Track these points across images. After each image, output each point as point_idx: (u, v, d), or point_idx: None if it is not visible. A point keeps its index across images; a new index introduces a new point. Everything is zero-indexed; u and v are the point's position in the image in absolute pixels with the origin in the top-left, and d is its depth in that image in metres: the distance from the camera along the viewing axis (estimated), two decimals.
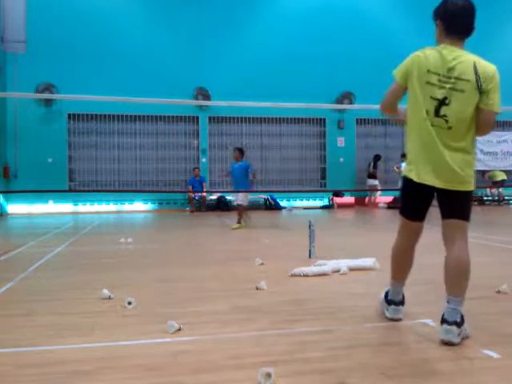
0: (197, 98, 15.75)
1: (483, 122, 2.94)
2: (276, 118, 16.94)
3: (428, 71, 2.92)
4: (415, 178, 3.04)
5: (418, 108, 2.97)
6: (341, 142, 17.46)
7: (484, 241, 7.39)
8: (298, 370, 2.52)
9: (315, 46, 16.66)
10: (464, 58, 2.90)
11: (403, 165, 15.45)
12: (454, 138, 2.91)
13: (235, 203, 10.45)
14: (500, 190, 17.35)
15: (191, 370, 2.54)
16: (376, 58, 16.73)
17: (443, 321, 2.89)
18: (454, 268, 2.95)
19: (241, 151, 10.33)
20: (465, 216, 3.00)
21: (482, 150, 18.06)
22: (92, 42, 15.38)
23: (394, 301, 3.33)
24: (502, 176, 17.08)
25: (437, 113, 2.91)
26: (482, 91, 2.87)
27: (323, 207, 16.99)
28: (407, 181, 3.11)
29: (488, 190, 17.81)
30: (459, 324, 2.86)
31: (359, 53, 16.87)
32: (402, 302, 3.36)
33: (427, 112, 2.93)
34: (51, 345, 2.94)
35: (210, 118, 16.59)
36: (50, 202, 15.24)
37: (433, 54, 2.95)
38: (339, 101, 16.81)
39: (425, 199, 3.10)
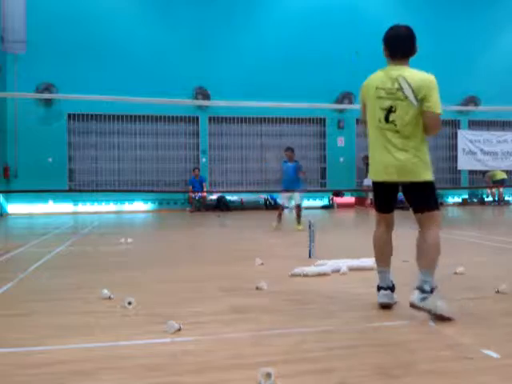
0: (197, 98, 15.76)
1: (427, 123, 3.42)
2: (276, 118, 16.94)
3: (376, 88, 3.50)
4: (373, 178, 3.65)
5: (372, 118, 3.56)
6: (341, 141, 17.46)
7: (484, 241, 7.38)
8: (298, 370, 2.52)
9: (315, 46, 16.65)
10: (403, 73, 3.42)
11: None
12: (403, 138, 3.42)
13: (291, 204, 9.84)
14: (500, 190, 17.33)
15: (191, 370, 2.54)
16: (376, 58, 16.71)
17: (417, 288, 3.34)
18: (423, 249, 3.42)
19: (293, 151, 10.06)
20: (428, 206, 3.47)
21: (482, 150, 18.06)
22: (92, 42, 15.37)
23: (382, 286, 3.66)
24: (501, 175, 17.06)
25: (386, 119, 3.45)
26: (420, 99, 3.34)
27: (323, 207, 16.99)
28: (372, 182, 3.70)
29: (488, 190, 17.80)
30: (424, 291, 3.29)
31: (359, 53, 16.85)
32: (390, 288, 3.66)
33: (379, 120, 3.49)
34: (51, 345, 2.94)
35: (209, 118, 16.58)
36: (50, 201, 15.24)
37: (380, 74, 3.54)
38: (339, 101, 16.80)
39: (388, 193, 3.65)
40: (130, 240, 7.74)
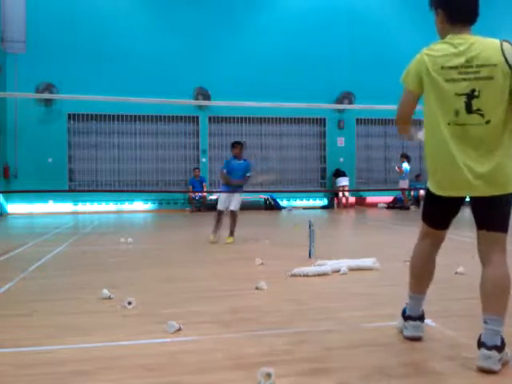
0: (197, 98, 15.75)
1: None
2: (276, 118, 16.94)
3: (442, 67, 2.57)
4: (436, 192, 2.72)
5: (441, 113, 2.60)
6: (341, 141, 17.46)
7: None
8: (298, 370, 2.52)
9: (315, 46, 16.66)
10: (482, 42, 2.56)
11: (404, 165, 15.48)
12: (492, 134, 2.53)
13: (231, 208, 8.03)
14: None
15: (191, 370, 2.54)
16: (376, 58, 16.74)
17: (480, 344, 2.51)
18: (489, 285, 2.59)
19: (242, 146, 8.34)
20: (501, 226, 2.63)
21: None
22: (92, 42, 15.38)
23: (411, 316, 2.94)
24: None
25: (469, 109, 2.53)
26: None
27: (323, 207, 16.98)
28: (429, 191, 2.80)
29: None
30: (500, 348, 2.48)
31: (359, 53, 16.87)
32: (421, 318, 2.96)
33: (457, 113, 2.56)
34: (51, 345, 2.94)
35: (210, 118, 16.59)
36: (50, 201, 15.24)
37: (443, 48, 2.61)
38: (339, 101, 16.80)
39: (451, 207, 2.80)
40: (130, 240, 7.74)
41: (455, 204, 2.78)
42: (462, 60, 2.55)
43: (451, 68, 2.56)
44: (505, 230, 2.64)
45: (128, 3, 16.16)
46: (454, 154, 2.58)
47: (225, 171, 8.08)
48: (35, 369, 2.58)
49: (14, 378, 2.47)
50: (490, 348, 2.47)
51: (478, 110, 2.52)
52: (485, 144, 2.55)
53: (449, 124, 2.59)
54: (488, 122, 2.52)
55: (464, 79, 2.54)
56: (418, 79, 2.67)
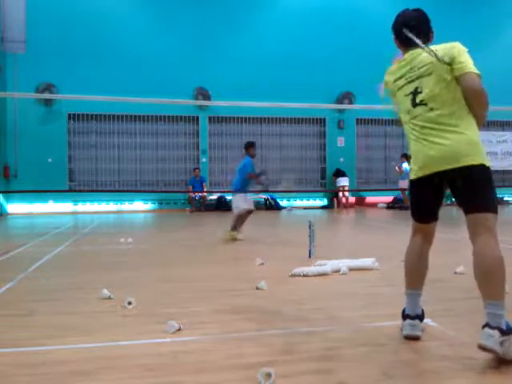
0: (197, 98, 15.76)
1: (467, 90, 2.75)
2: (276, 118, 16.94)
3: (394, 81, 3.03)
4: (412, 177, 2.95)
5: (403, 115, 3.01)
6: (341, 142, 17.46)
7: None
8: (298, 370, 2.52)
9: (315, 46, 16.67)
10: (420, 51, 2.90)
11: (404, 165, 15.48)
12: (441, 119, 2.79)
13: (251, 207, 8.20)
14: None
15: (191, 370, 2.54)
16: (376, 58, 16.72)
17: (485, 325, 2.53)
18: (477, 269, 2.64)
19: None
20: (485, 205, 2.68)
21: None
22: (92, 41, 15.39)
23: (409, 315, 2.96)
24: None
25: (414, 104, 2.90)
26: (448, 63, 2.77)
27: (323, 207, 16.98)
28: (410, 182, 3.02)
29: None
30: (504, 332, 2.48)
31: (359, 53, 16.87)
32: (419, 317, 2.96)
33: (408, 111, 2.94)
34: (51, 345, 2.94)
35: (210, 118, 16.59)
36: (50, 201, 15.25)
37: (395, 66, 3.06)
38: (339, 101, 16.81)
39: (427, 195, 2.93)
40: (130, 240, 7.74)
41: (432, 189, 2.91)
42: (406, 69, 2.97)
43: (400, 78, 3.00)
44: (486, 209, 2.69)
45: (128, 3, 16.16)
46: (421, 141, 2.87)
47: (256, 172, 8.31)
48: (35, 369, 2.58)
49: (14, 378, 2.47)
50: (492, 327, 2.49)
51: (421, 101, 2.87)
52: (440, 125, 2.81)
53: (410, 121, 2.95)
54: (431, 109, 2.83)
55: (409, 82, 2.94)
56: (391, 95, 3.15)
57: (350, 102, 16.69)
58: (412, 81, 2.92)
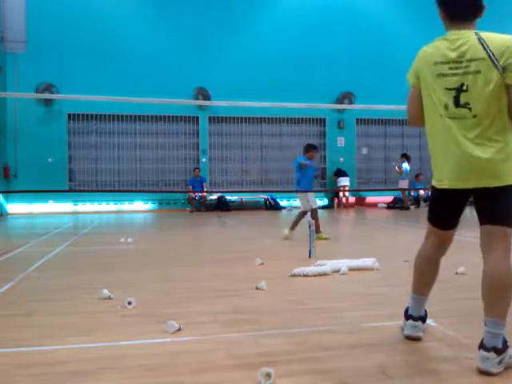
0: (197, 98, 15.76)
1: None
2: (276, 118, 16.94)
3: (435, 63, 2.63)
4: (437, 185, 2.72)
5: (434, 106, 2.66)
6: (341, 142, 17.46)
7: None
8: (298, 370, 2.52)
9: (315, 46, 16.66)
10: (471, 37, 2.56)
11: (404, 165, 15.48)
12: (481, 128, 2.53)
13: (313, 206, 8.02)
14: None
15: (191, 370, 2.54)
16: (376, 58, 16.74)
17: (480, 346, 2.49)
18: (488, 284, 2.52)
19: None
20: (504, 219, 2.55)
21: None
22: (92, 41, 15.38)
23: (412, 315, 2.93)
24: None
25: (457, 103, 2.56)
26: (502, 67, 2.46)
27: (323, 207, 16.98)
28: (432, 188, 2.81)
29: None
30: (499, 351, 2.45)
31: (359, 53, 16.88)
32: (422, 318, 2.94)
33: (446, 106, 2.59)
34: (51, 345, 2.94)
35: (210, 118, 16.59)
36: (50, 201, 15.24)
37: (439, 44, 2.66)
38: (339, 101, 16.81)
39: (454, 204, 2.75)
40: (130, 240, 7.74)
41: (458, 200, 2.73)
42: (453, 55, 2.59)
43: (443, 63, 2.62)
44: (507, 223, 2.55)
45: (128, 3, 16.16)
46: (449, 144, 2.61)
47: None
48: (35, 369, 2.58)
49: (14, 378, 2.47)
50: (488, 350, 2.44)
51: (466, 103, 2.56)
52: (481, 138, 2.54)
53: (440, 116, 2.63)
54: (475, 116, 2.54)
55: (454, 74, 2.58)
56: (416, 75, 2.77)
57: (350, 102, 16.68)
58: (457, 74, 2.57)
